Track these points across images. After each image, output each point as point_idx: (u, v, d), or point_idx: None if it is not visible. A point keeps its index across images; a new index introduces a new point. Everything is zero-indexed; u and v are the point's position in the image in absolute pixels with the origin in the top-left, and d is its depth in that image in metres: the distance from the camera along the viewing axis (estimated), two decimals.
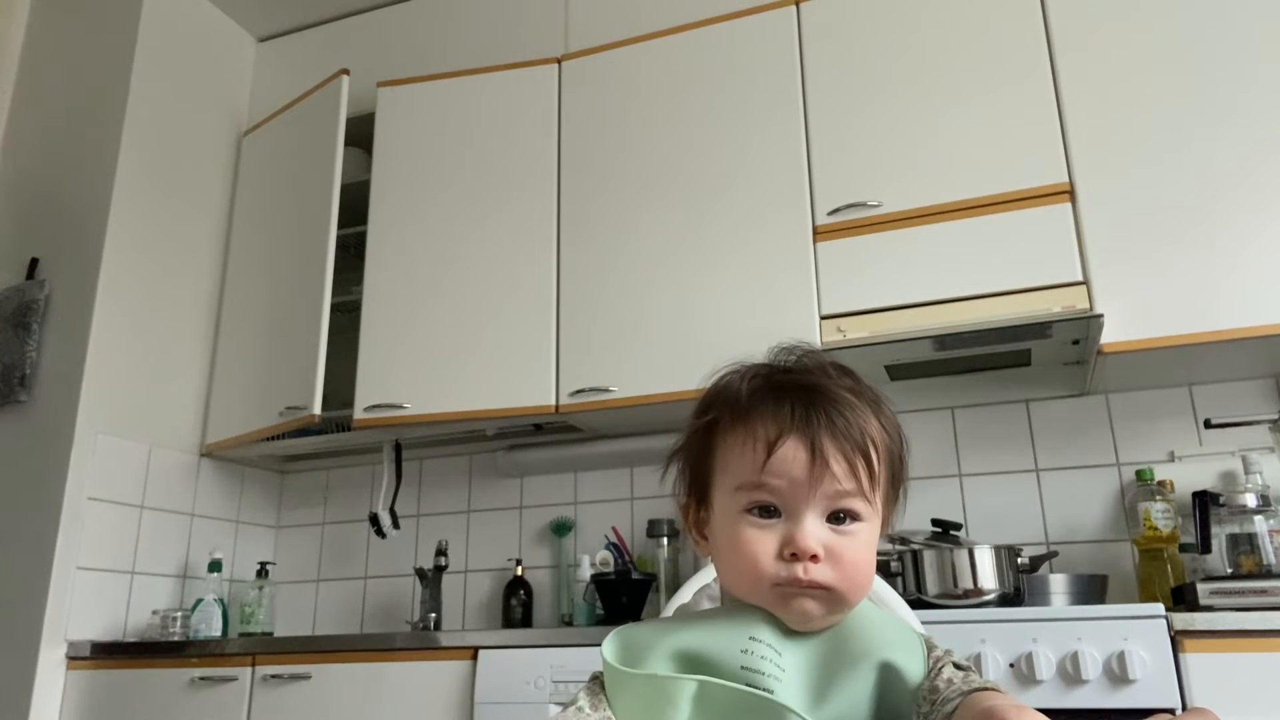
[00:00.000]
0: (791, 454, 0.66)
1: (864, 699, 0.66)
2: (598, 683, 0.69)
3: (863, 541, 0.68)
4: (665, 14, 2.54)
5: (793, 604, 0.66)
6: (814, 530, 0.66)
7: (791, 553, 0.66)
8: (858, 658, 0.67)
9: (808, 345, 0.75)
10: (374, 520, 2.66)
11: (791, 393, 0.69)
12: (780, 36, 2.37)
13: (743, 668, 0.64)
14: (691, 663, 0.66)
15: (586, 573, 2.43)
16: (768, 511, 0.67)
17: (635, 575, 2.36)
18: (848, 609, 0.68)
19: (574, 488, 2.69)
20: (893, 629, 0.71)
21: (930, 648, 0.70)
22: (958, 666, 0.68)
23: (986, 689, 0.63)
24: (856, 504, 0.68)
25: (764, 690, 0.63)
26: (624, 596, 2.29)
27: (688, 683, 0.64)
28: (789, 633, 0.67)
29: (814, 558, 0.65)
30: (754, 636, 0.66)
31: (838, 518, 0.67)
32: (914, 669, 0.68)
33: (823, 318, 2.15)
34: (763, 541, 0.67)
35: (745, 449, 0.68)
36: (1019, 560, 1.88)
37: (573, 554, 2.59)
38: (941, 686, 0.66)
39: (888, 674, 0.67)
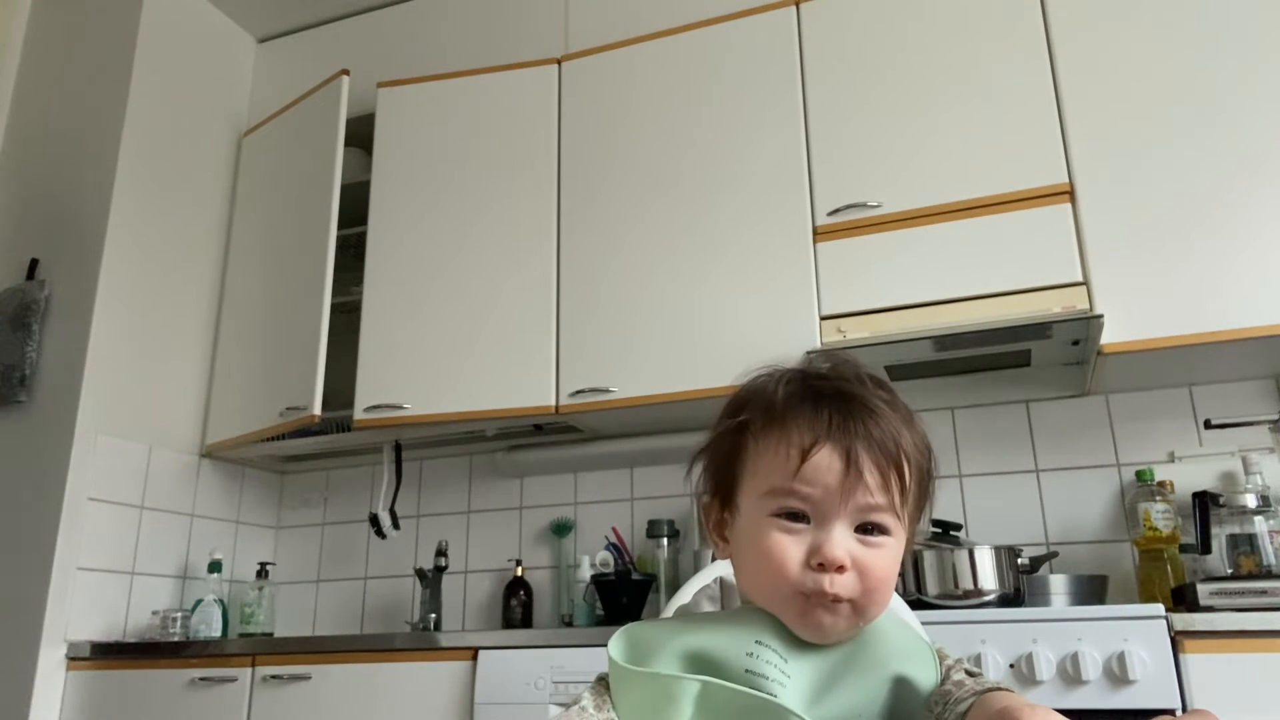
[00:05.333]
0: (826, 462, 0.66)
1: (873, 709, 0.66)
2: (603, 683, 0.69)
3: (888, 556, 0.67)
4: (665, 14, 2.54)
5: (812, 616, 0.65)
6: (843, 541, 0.65)
7: (819, 562, 0.65)
8: (868, 669, 0.67)
9: (842, 355, 0.75)
10: (374, 521, 2.66)
11: (829, 400, 0.68)
12: (780, 36, 2.37)
13: (747, 671, 0.64)
14: (698, 663, 0.65)
15: (586, 573, 2.43)
16: (796, 518, 0.67)
17: (635, 576, 2.35)
18: (865, 624, 0.68)
19: (574, 488, 2.69)
20: (905, 640, 0.70)
21: (941, 657, 0.70)
22: (969, 673, 0.68)
23: (1000, 689, 0.63)
24: (886, 518, 0.67)
25: (767, 694, 0.63)
26: (624, 597, 2.29)
27: (690, 683, 0.63)
28: (799, 639, 0.67)
29: (840, 569, 0.65)
30: (760, 640, 0.66)
31: (866, 529, 0.67)
32: (926, 680, 0.68)
33: (823, 318, 2.14)
34: (790, 548, 0.66)
35: (778, 453, 0.67)
36: (1019, 561, 1.88)
37: (573, 554, 2.59)
38: (953, 689, 0.65)
39: (900, 687, 0.67)
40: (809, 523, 0.66)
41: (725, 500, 0.72)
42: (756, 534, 0.68)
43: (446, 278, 2.51)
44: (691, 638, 0.67)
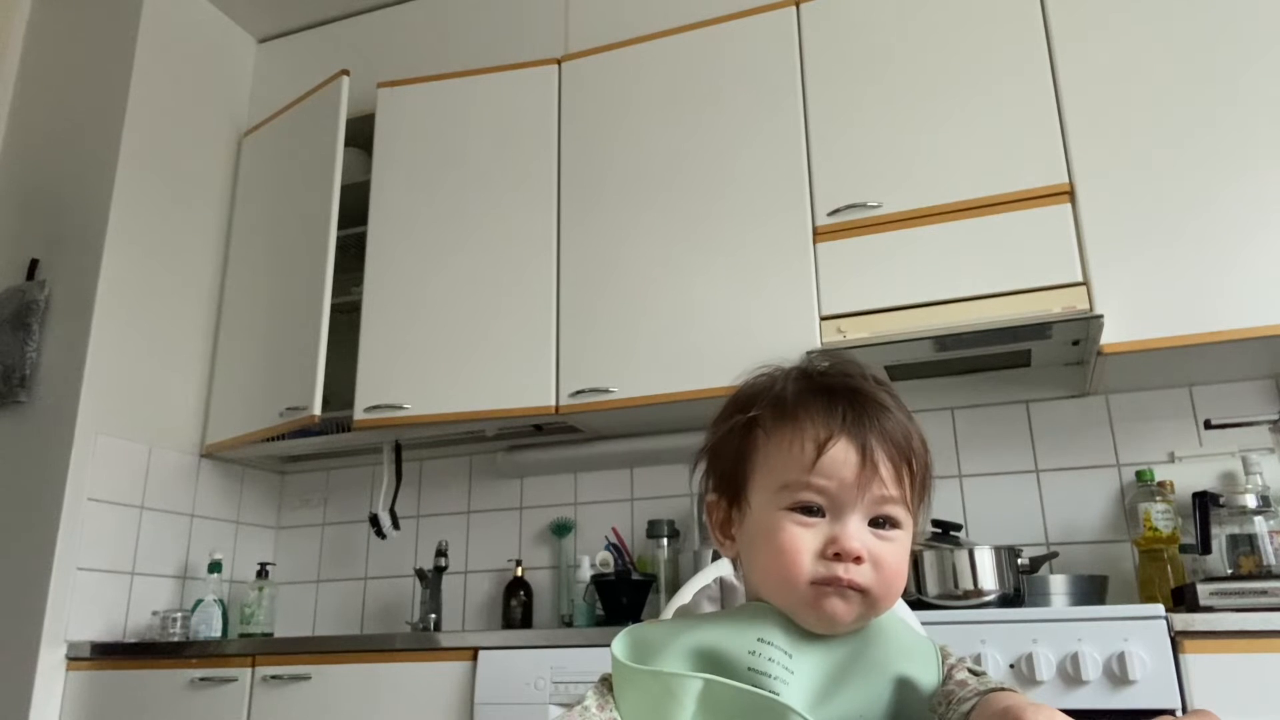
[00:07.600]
0: (842, 455, 0.66)
1: (877, 709, 0.66)
2: (606, 683, 0.69)
3: (900, 548, 0.68)
4: (665, 14, 2.54)
5: (825, 604, 0.65)
6: (858, 533, 0.66)
7: (835, 553, 0.65)
8: (872, 668, 0.67)
9: (842, 354, 0.76)
10: (374, 521, 2.66)
11: (841, 395, 0.69)
12: (780, 36, 2.37)
13: (749, 669, 0.64)
14: (702, 661, 0.65)
15: (586, 573, 2.43)
16: (810, 511, 0.67)
17: (635, 576, 2.35)
18: (877, 615, 0.68)
19: (574, 488, 2.69)
20: (909, 639, 0.70)
21: (944, 656, 0.70)
22: (972, 672, 0.68)
23: (1003, 689, 0.63)
24: (898, 511, 0.68)
25: (770, 693, 0.63)
26: (624, 597, 2.28)
27: (693, 681, 0.63)
28: (803, 637, 0.67)
29: (857, 559, 0.65)
30: (763, 638, 0.66)
31: (878, 523, 0.67)
32: (929, 679, 0.68)
33: (823, 318, 2.15)
34: (805, 539, 0.66)
35: (793, 448, 0.68)
36: (1019, 561, 1.88)
37: (573, 555, 2.59)
38: (956, 689, 0.65)
39: (903, 686, 0.67)
40: (823, 516, 0.67)
41: (733, 498, 0.72)
42: (770, 528, 0.67)
43: (446, 278, 2.51)
44: (695, 636, 0.67)
